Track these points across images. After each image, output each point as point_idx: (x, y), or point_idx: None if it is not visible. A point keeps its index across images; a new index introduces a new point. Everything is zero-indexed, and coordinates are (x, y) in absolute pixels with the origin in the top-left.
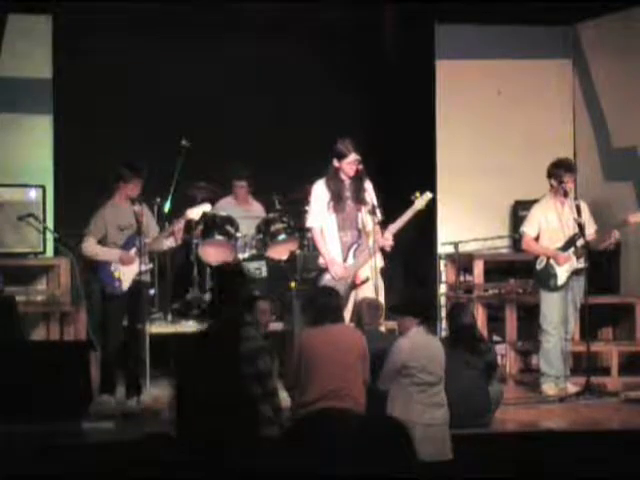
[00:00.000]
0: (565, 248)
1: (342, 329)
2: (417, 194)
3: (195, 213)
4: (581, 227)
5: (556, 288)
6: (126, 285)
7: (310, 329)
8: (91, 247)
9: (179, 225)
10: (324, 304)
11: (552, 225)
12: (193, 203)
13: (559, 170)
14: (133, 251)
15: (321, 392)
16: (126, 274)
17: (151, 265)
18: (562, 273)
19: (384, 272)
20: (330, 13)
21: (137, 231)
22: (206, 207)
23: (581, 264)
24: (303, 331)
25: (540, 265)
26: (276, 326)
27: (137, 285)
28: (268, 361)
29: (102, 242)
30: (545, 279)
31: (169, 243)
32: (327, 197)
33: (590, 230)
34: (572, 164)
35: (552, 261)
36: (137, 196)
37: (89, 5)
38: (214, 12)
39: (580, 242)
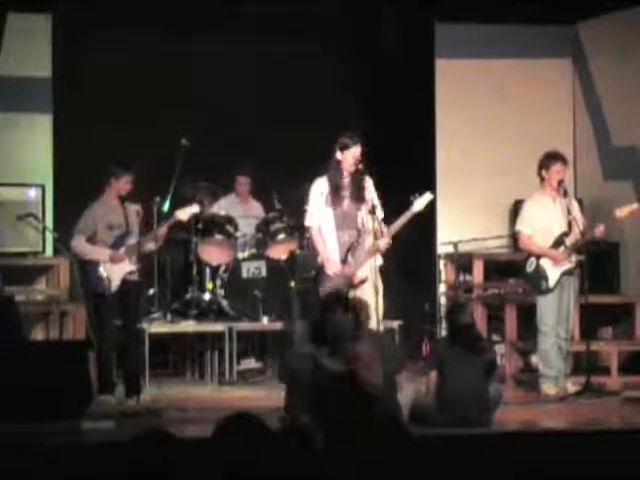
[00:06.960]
0: (554, 247)
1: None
2: (416, 194)
3: (184, 214)
4: (570, 224)
5: (547, 290)
6: (115, 285)
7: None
8: (80, 245)
9: (162, 230)
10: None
11: (544, 222)
12: (192, 203)
13: (546, 161)
14: (122, 250)
15: None
16: (114, 274)
17: (139, 264)
18: (553, 274)
19: (381, 271)
20: (330, 12)
21: (126, 230)
22: (195, 208)
23: (572, 263)
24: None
25: (530, 268)
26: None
27: (127, 285)
28: None
29: (91, 240)
30: (536, 282)
31: (150, 246)
32: (326, 191)
33: (580, 227)
34: (560, 154)
35: (542, 263)
36: (126, 194)
37: (89, 3)
38: (214, 10)
39: (569, 240)
